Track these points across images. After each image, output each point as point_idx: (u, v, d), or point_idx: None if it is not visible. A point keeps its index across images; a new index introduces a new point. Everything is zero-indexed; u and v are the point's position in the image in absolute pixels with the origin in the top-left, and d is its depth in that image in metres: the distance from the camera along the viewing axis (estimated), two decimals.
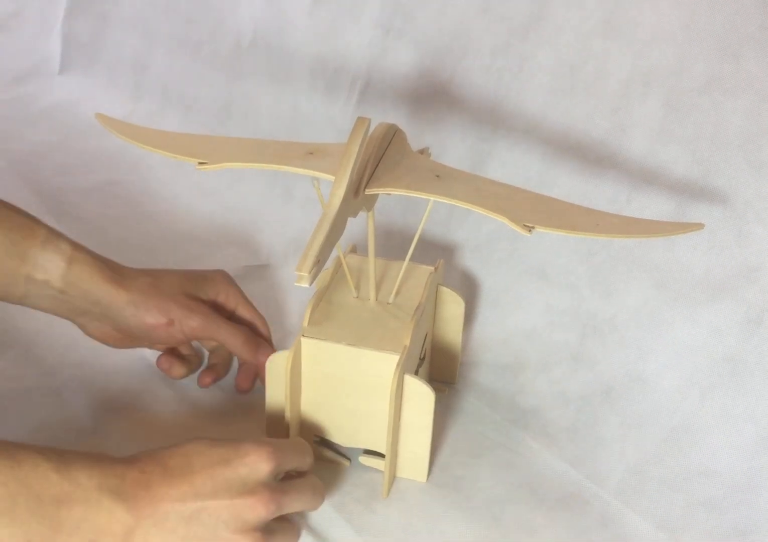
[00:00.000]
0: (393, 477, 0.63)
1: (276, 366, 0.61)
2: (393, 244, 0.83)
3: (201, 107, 1.13)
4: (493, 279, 0.81)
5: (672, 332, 0.69)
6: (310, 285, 0.49)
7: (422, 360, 0.67)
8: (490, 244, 0.82)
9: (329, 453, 0.64)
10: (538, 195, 0.58)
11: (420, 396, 0.59)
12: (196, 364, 0.71)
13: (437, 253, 0.82)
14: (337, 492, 0.61)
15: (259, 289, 0.72)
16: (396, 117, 0.87)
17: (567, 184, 0.77)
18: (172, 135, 0.66)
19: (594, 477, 0.64)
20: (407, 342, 0.59)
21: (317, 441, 0.64)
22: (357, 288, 0.65)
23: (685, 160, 0.69)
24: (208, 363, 0.72)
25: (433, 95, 0.88)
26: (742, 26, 0.66)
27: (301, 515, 0.58)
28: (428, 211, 0.60)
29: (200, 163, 0.58)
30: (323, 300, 0.64)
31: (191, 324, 0.65)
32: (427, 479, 0.63)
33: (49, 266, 0.62)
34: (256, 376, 0.70)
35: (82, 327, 0.67)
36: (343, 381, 0.60)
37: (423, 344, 0.66)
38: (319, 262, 0.50)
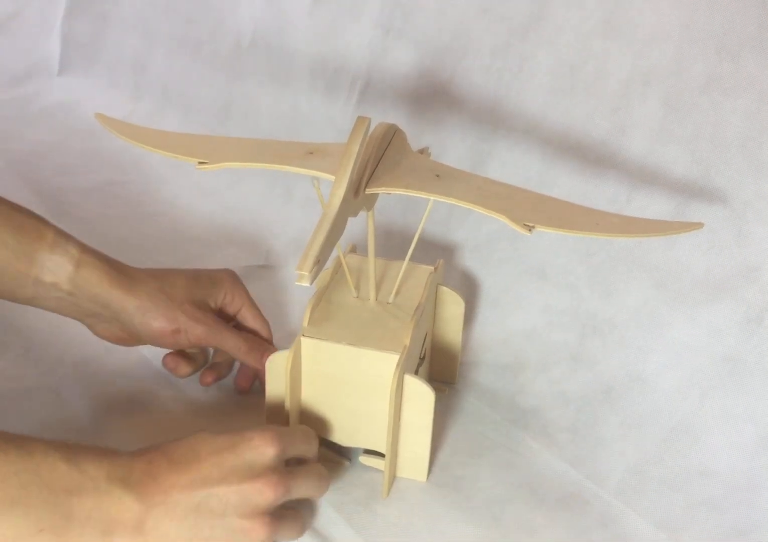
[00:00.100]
0: (393, 477, 0.63)
1: (276, 366, 0.61)
2: (393, 243, 0.83)
3: (201, 107, 1.13)
4: (493, 279, 0.81)
5: (672, 332, 0.69)
6: (311, 284, 0.49)
7: (422, 360, 0.67)
8: (490, 244, 0.82)
9: (329, 453, 0.63)
10: (539, 194, 0.58)
11: (420, 395, 0.59)
12: (201, 363, 0.71)
13: (437, 252, 0.82)
14: (337, 492, 0.61)
15: (259, 289, 0.72)
16: (396, 117, 0.87)
17: (567, 184, 0.77)
18: (172, 135, 0.66)
19: (594, 477, 0.64)
20: (407, 341, 0.59)
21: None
22: (357, 288, 0.65)
23: (685, 160, 0.69)
24: (211, 361, 0.72)
25: (433, 95, 0.88)
26: (741, 26, 0.66)
27: (306, 510, 0.58)
28: (428, 210, 0.60)
29: (200, 163, 0.58)
30: (323, 300, 0.64)
31: (197, 333, 0.65)
32: (427, 479, 0.63)
33: (57, 269, 0.62)
34: (255, 377, 0.70)
35: (90, 327, 0.67)
36: (343, 380, 0.60)
37: (423, 344, 0.66)
38: (320, 262, 0.50)
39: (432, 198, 0.56)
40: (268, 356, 0.62)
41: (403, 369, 0.58)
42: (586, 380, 0.71)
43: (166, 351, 0.69)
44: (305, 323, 0.61)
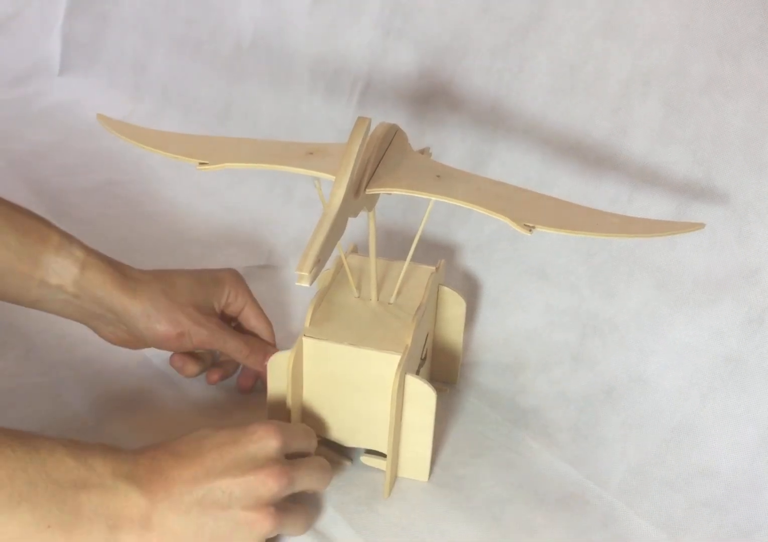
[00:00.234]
0: (394, 477, 0.63)
1: (277, 366, 0.61)
2: (394, 244, 0.83)
3: (201, 107, 1.13)
4: (494, 280, 0.81)
5: (673, 332, 0.69)
6: (311, 284, 0.49)
7: (423, 360, 0.67)
8: (491, 244, 0.82)
9: (330, 453, 0.63)
10: (539, 195, 0.58)
11: (421, 396, 0.59)
12: (208, 361, 0.71)
13: (438, 253, 0.82)
14: (338, 492, 0.61)
15: (260, 290, 0.72)
16: (396, 117, 0.87)
17: (567, 185, 0.77)
18: (173, 135, 0.66)
19: (595, 477, 0.64)
20: (408, 342, 0.59)
21: (319, 441, 0.63)
22: (358, 288, 0.65)
23: (686, 161, 0.69)
24: (218, 360, 0.72)
25: (433, 95, 0.88)
26: (742, 26, 0.66)
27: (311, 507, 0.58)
28: (428, 211, 0.60)
29: (201, 164, 0.58)
30: (325, 301, 0.64)
31: (200, 337, 0.66)
32: (429, 479, 0.63)
33: (63, 271, 0.62)
34: (257, 376, 0.70)
35: (95, 330, 0.67)
36: (345, 380, 0.60)
37: (424, 344, 0.66)
38: (320, 262, 0.50)
39: (433, 198, 0.56)
40: (269, 357, 0.62)
41: (404, 370, 0.58)
42: (587, 380, 0.71)
43: (167, 352, 0.70)
44: (307, 323, 0.61)
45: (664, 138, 0.71)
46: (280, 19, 1.03)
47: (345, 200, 0.53)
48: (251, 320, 0.70)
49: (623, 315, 0.72)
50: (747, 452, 0.62)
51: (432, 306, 0.68)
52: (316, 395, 0.62)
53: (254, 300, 0.70)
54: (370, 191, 0.56)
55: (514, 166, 0.81)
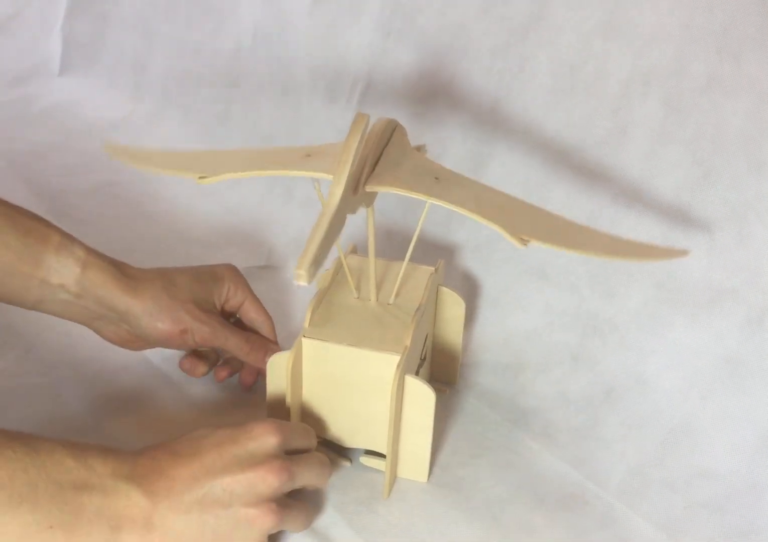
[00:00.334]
0: (394, 478, 0.63)
1: (277, 367, 0.61)
2: (394, 244, 0.83)
3: (201, 107, 1.13)
4: (493, 280, 0.81)
5: (672, 333, 0.69)
6: (309, 283, 0.49)
7: (423, 360, 0.67)
8: (491, 245, 0.82)
9: (330, 454, 0.63)
10: (534, 207, 0.58)
11: (421, 396, 0.59)
12: (214, 360, 0.71)
13: (438, 253, 0.82)
14: (337, 493, 0.61)
15: (260, 290, 0.72)
16: (396, 118, 0.86)
17: (567, 185, 0.77)
18: (174, 154, 0.67)
19: (594, 477, 0.64)
20: (408, 342, 0.59)
21: (318, 441, 0.63)
22: (358, 288, 0.65)
23: (686, 161, 0.69)
24: (224, 357, 0.72)
25: (433, 96, 0.88)
26: (741, 26, 0.66)
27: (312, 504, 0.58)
28: (425, 213, 0.60)
29: (200, 178, 0.58)
30: (324, 301, 0.64)
31: (202, 334, 0.66)
32: (428, 479, 0.63)
33: (65, 270, 0.62)
34: (259, 373, 0.70)
35: (97, 331, 0.67)
36: (344, 381, 0.60)
37: (424, 344, 0.66)
38: (318, 260, 0.50)
39: (429, 201, 0.56)
40: (270, 353, 0.62)
41: (403, 370, 0.58)
42: (587, 381, 0.71)
43: (167, 350, 0.70)
44: (306, 324, 0.61)
45: (663, 138, 0.71)
46: (280, 20, 1.03)
47: (343, 197, 0.52)
48: (251, 313, 0.70)
49: (623, 315, 0.72)
50: (746, 453, 0.62)
51: (431, 307, 0.68)
52: (316, 396, 0.62)
53: (253, 295, 0.70)
54: (368, 188, 0.56)
55: (514, 166, 0.81)
